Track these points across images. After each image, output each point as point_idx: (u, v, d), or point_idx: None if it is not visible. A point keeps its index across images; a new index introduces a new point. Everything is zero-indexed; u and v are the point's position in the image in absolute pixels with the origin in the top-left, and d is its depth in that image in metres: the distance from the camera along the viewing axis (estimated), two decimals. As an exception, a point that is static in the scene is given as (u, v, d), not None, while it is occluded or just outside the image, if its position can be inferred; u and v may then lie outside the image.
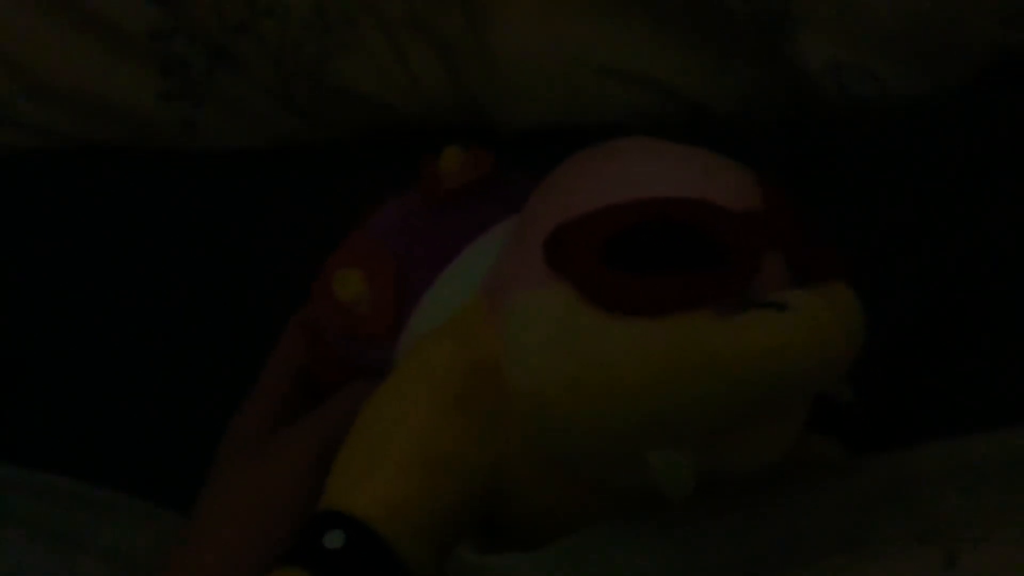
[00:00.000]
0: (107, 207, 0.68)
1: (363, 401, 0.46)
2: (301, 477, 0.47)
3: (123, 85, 0.67)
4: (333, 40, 0.65)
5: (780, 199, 0.45)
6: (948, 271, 0.61)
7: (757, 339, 0.41)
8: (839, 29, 0.63)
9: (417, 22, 0.65)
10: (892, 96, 0.64)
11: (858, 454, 0.50)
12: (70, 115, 0.68)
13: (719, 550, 0.46)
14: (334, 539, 0.43)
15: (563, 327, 0.42)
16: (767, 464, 0.45)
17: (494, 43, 0.65)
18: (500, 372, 0.44)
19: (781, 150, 0.64)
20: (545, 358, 0.43)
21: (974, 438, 0.48)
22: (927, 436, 0.49)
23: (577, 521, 0.47)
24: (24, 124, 0.69)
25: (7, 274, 0.68)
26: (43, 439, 0.64)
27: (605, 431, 0.42)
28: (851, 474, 0.48)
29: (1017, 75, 0.63)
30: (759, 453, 0.44)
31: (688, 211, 0.43)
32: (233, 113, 0.67)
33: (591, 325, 0.42)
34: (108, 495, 0.58)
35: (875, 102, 0.64)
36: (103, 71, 0.67)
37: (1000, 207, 0.62)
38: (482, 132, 0.66)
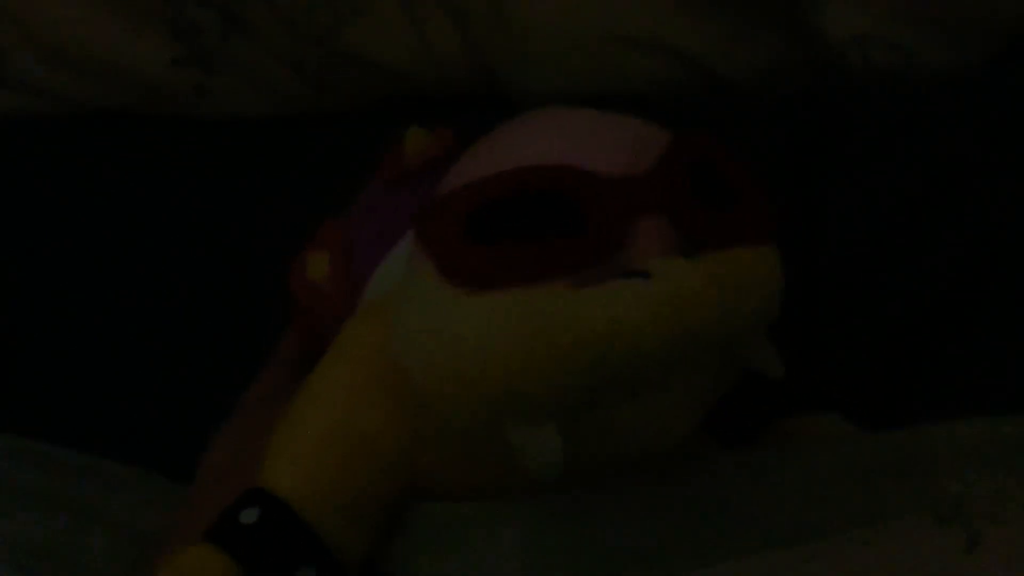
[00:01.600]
0: (118, 172, 0.68)
1: None
2: None
3: (136, 50, 0.67)
4: (346, 6, 0.64)
5: (684, 159, 0.42)
6: (966, 244, 0.60)
7: (608, 310, 0.39)
8: (866, 0, 0.62)
9: (432, -12, 0.64)
10: (918, 69, 0.63)
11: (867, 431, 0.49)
12: (82, 80, 0.68)
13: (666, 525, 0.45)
14: (249, 515, 0.43)
15: (424, 304, 0.42)
16: (659, 448, 0.43)
17: (511, 10, 0.64)
18: None
19: (800, 120, 0.63)
20: (410, 336, 0.42)
21: (990, 419, 0.47)
22: (938, 412, 0.48)
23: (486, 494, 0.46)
24: (36, 89, 0.68)
25: (17, 238, 0.67)
26: (46, 412, 0.64)
27: (466, 409, 0.41)
28: (863, 448, 0.46)
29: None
30: (644, 435, 0.43)
31: (549, 179, 0.41)
32: (245, 80, 0.67)
33: (446, 301, 0.41)
34: (117, 467, 0.57)
35: (900, 75, 0.63)
36: (116, 36, 0.67)
37: (1012, 182, 0.61)
38: (497, 101, 0.65)
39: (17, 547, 0.51)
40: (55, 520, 0.53)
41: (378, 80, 0.66)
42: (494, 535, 0.44)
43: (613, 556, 0.43)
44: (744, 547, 0.43)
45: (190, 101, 0.67)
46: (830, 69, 0.64)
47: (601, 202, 0.41)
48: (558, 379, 0.40)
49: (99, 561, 0.52)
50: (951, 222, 0.60)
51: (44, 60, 0.68)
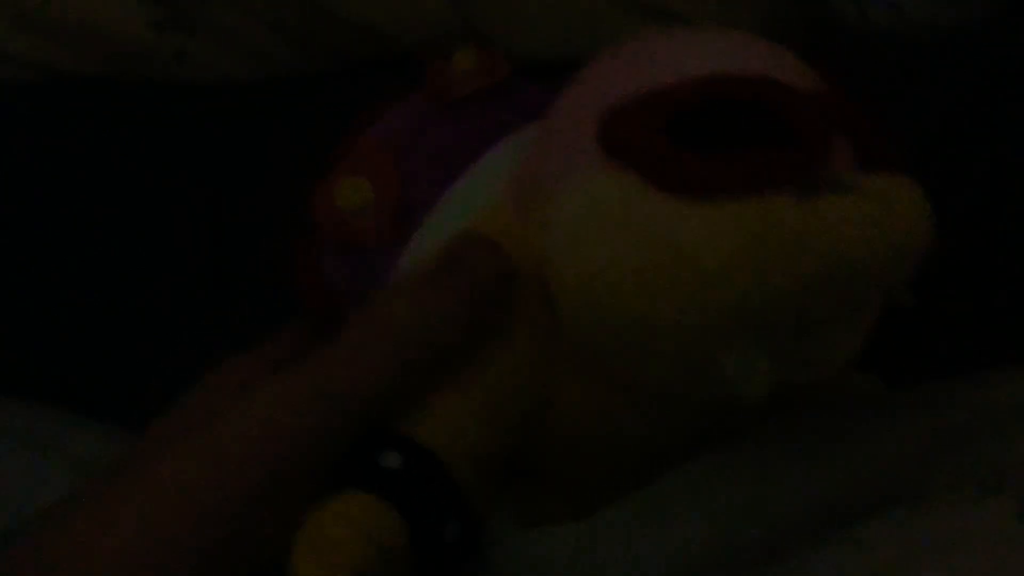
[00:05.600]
0: (98, 139, 0.67)
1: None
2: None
3: (114, 15, 0.65)
4: (329, -36, 0.63)
5: (840, 86, 0.42)
6: (965, 200, 0.59)
7: (842, 221, 0.38)
8: (862, -44, 0.62)
9: (418, -55, 0.63)
10: (913, 25, 0.62)
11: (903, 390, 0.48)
12: (59, 46, 0.66)
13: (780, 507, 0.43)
14: (392, 459, 0.39)
15: (628, 214, 0.38)
16: (826, 375, 0.42)
17: (499, -31, 0.63)
18: (539, 279, 0.41)
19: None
20: (609, 249, 0.39)
21: (1015, 369, 0.46)
22: (956, 363, 0.47)
23: (626, 449, 0.44)
24: (12, 56, 0.67)
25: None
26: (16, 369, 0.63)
27: (678, 327, 0.39)
28: (906, 413, 0.45)
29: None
30: (830, 359, 0.41)
31: (754, 88, 0.39)
32: (226, 43, 0.65)
33: (662, 211, 0.38)
34: (76, 417, 0.56)
35: (896, 31, 0.62)
36: (93, 0, 0.65)
37: (1017, 138, 0.60)
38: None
39: None
40: (18, 451, 0.51)
41: (363, 41, 0.65)
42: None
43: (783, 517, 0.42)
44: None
45: (171, 66, 0.66)
46: (827, 27, 0.63)
47: (807, 115, 0.39)
48: (791, 296, 0.38)
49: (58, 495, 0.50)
50: (960, 173, 0.59)
51: (21, 27, 0.66)
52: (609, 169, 0.39)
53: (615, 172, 0.39)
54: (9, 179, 0.67)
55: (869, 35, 0.62)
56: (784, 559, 0.40)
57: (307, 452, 0.39)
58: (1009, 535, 0.38)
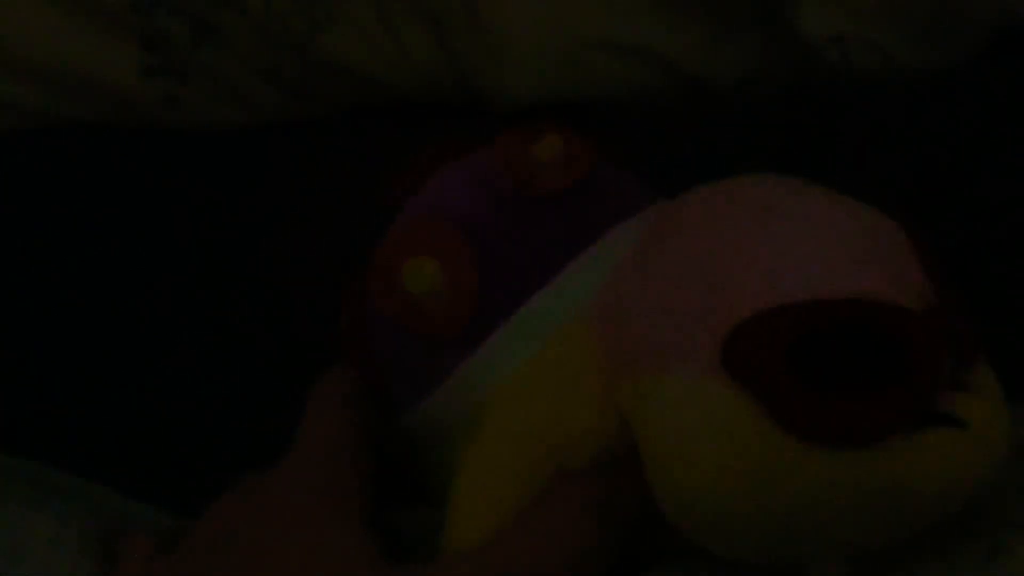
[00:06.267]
0: (88, 185, 0.67)
1: None
2: None
3: (104, 60, 0.65)
4: (320, 12, 0.63)
5: (938, 275, 0.42)
6: (951, 242, 0.59)
7: (946, 468, 0.39)
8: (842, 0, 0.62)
9: (407, -7, 0.63)
10: (897, 69, 0.62)
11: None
12: (49, 92, 0.66)
13: None
14: None
15: (742, 438, 0.39)
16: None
17: (487, 16, 0.63)
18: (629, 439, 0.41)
19: (783, 123, 0.63)
20: (712, 461, 0.39)
21: None
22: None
23: None
24: (2, 102, 0.67)
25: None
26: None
27: (762, 545, 0.40)
28: None
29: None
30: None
31: (877, 315, 0.40)
32: (217, 89, 0.65)
33: (785, 447, 0.39)
34: (78, 482, 0.57)
35: (879, 75, 0.63)
36: (84, 46, 0.65)
37: (1003, 181, 0.60)
38: (476, 108, 0.64)
39: None
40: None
41: (354, 87, 0.65)
42: None
43: None
44: None
45: (162, 112, 0.66)
46: (810, 71, 0.63)
47: (925, 344, 0.39)
48: (885, 528, 0.40)
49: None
50: (943, 218, 0.60)
51: (10, 72, 0.66)
52: (727, 385, 0.39)
53: (735, 392, 0.39)
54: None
55: (851, 79, 0.63)
56: None
57: None
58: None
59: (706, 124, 0.63)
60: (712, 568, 0.43)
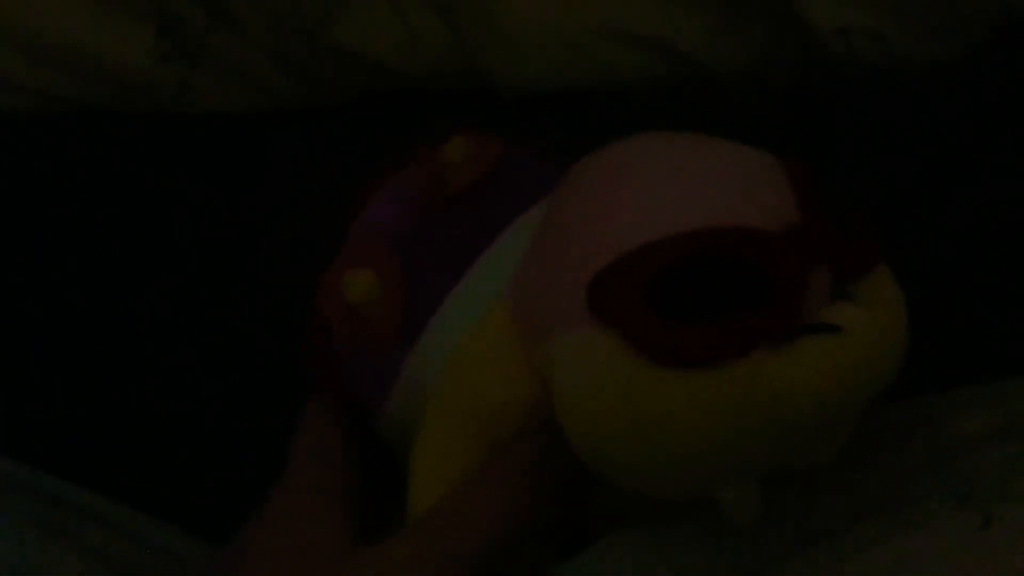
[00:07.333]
0: (100, 170, 0.67)
1: None
2: None
3: (118, 45, 0.66)
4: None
5: (811, 192, 0.43)
6: (953, 236, 0.60)
7: (819, 372, 0.40)
8: (848, -9, 0.62)
9: (417, -19, 0.64)
10: (900, 60, 0.63)
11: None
12: (63, 76, 0.67)
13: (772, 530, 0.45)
14: None
15: (614, 377, 0.41)
16: (832, 456, 0.44)
17: (496, 4, 0.63)
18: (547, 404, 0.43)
19: (789, 112, 0.63)
20: (596, 406, 0.41)
21: (996, 385, 0.47)
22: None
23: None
24: (16, 86, 0.67)
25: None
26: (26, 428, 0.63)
27: (668, 477, 0.42)
28: (888, 432, 0.47)
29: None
30: (816, 456, 0.44)
31: (730, 242, 0.41)
32: (230, 75, 0.66)
33: (645, 378, 0.40)
34: (88, 496, 0.57)
35: (883, 66, 0.63)
36: (97, 31, 0.66)
37: (1005, 172, 0.61)
38: (484, 95, 0.65)
39: None
40: (37, 539, 0.52)
41: (364, 74, 0.65)
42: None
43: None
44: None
45: (174, 97, 0.66)
46: (814, 62, 0.64)
47: (783, 264, 0.41)
48: (774, 441, 0.41)
49: None
50: (946, 209, 0.60)
51: (24, 56, 0.67)
52: (595, 328, 0.41)
53: (601, 333, 0.41)
54: (9, 209, 0.67)
55: (856, 71, 0.63)
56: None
57: None
58: (972, 545, 0.40)
59: (712, 115, 0.63)
60: (654, 530, 0.45)
